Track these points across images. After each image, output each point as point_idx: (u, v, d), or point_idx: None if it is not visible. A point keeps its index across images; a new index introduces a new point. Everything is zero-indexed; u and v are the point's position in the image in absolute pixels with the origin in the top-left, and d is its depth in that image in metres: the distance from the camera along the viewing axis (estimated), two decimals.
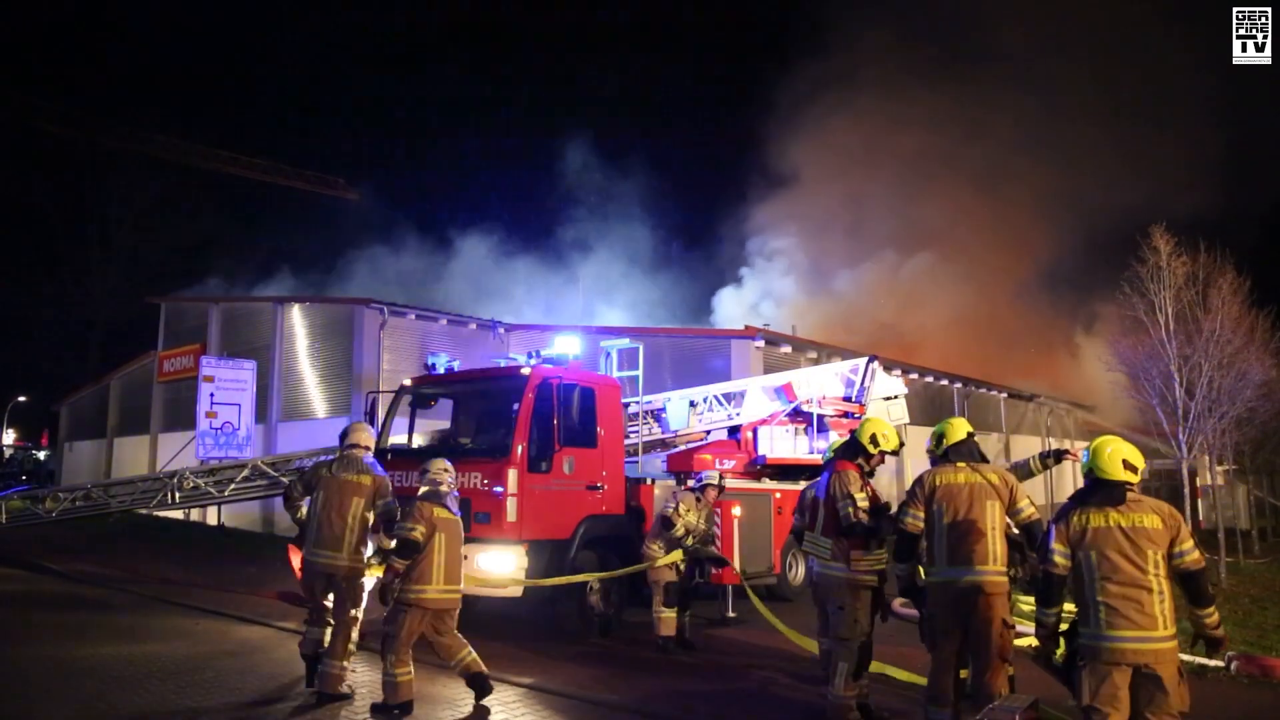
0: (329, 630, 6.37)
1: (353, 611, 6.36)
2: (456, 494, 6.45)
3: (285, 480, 14.78)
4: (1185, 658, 7.70)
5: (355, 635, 6.39)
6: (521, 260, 37.59)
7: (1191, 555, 4.19)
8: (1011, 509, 5.06)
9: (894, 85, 34.19)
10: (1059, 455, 6.38)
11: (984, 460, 5.25)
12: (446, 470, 6.38)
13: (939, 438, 5.37)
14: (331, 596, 6.40)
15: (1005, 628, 4.95)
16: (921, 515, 5.14)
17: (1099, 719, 4.05)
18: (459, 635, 6.10)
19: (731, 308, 30.72)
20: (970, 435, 5.31)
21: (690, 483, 9.22)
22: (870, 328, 28.22)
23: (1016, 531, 5.26)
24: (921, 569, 5.34)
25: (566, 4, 73.02)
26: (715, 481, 8.85)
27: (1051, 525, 4.33)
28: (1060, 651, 4.41)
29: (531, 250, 38.50)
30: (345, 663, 6.29)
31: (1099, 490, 4.27)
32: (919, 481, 5.28)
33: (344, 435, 6.84)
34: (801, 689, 6.88)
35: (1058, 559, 4.25)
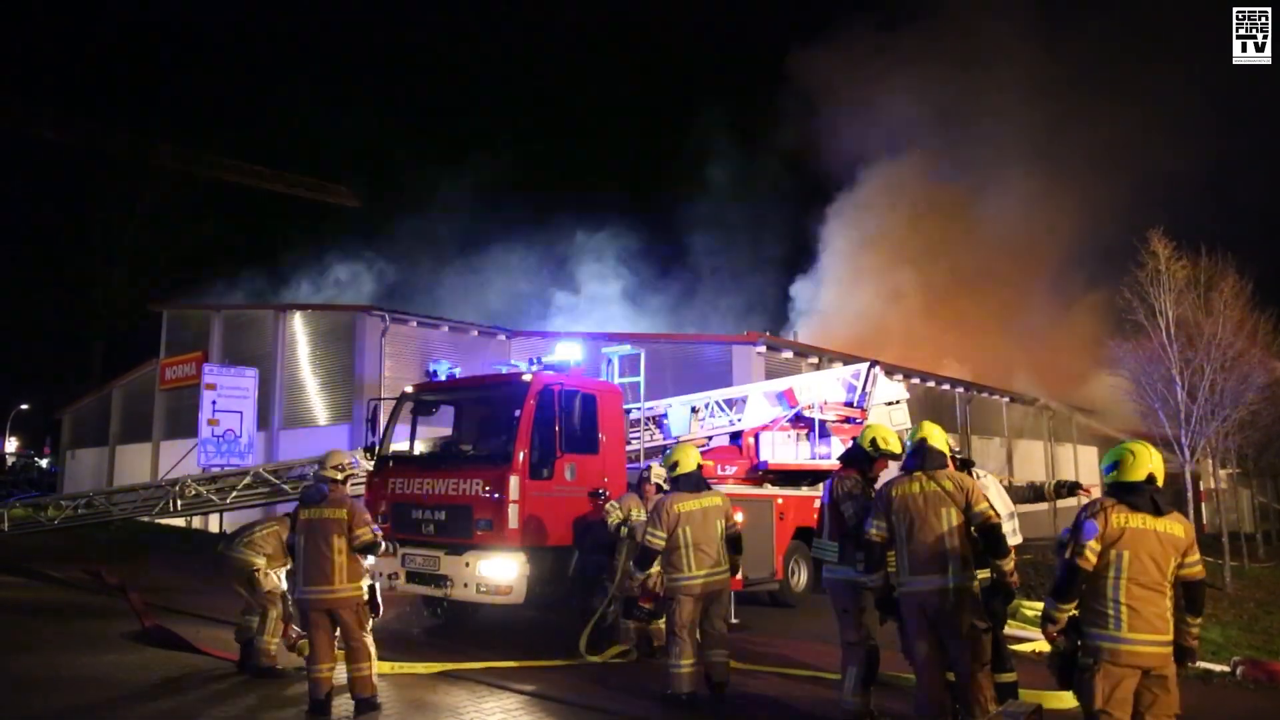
0: (256, 619, 7.36)
1: (268, 593, 7.24)
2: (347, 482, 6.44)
3: (288, 488, 14.83)
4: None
5: (276, 614, 7.23)
6: (526, 266, 37.71)
7: (1199, 565, 4.26)
8: (969, 512, 5.07)
9: (899, 93, 34.30)
10: (1074, 488, 6.32)
11: (941, 465, 5.25)
12: (337, 468, 6.39)
13: (916, 442, 5.37)
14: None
15: (977, 631, 4.96)
16: (885, 525, 5.21)
17: None
18: (358, 646, 6.05)
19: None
20: (923, 440, 5.29)
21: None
22: (882, 335, 28.29)
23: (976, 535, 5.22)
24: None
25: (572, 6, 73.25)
26: (649, 476, 8.56)
27: (1089, 521, 4.25)
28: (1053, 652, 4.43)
29: (538, 257, 38.62)
30: (273, 639, 7.18)
31: (1136, 492, 4.27)
32: (879, 494, 5.38)
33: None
34: (805, 694, 6.87)
35: (1089, 555, 4.18)
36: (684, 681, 6.31)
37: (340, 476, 6.37)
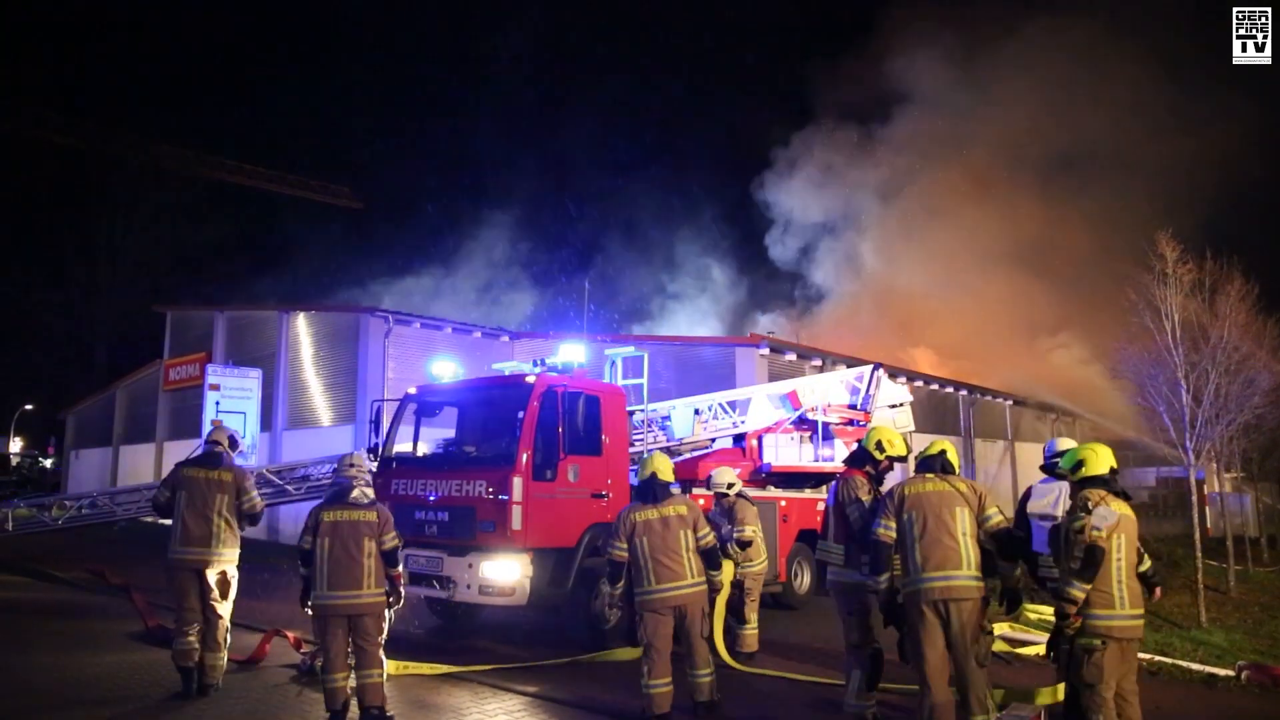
0: (195, 636, 6.62)
1: (228, 600, 6.72)
2: (368, 485, 6.13)
3: (291, 489, 14.81)
4: (1194, 666, 7.72)
5: (226, 628, 6.72)
6: (531, 269, 37.74)
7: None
8: (981, 515, 5.13)
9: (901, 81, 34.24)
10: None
11: (952, 472, 5.35)
12: (353, 465, 6.13)
13: (922, 455, 5.55)
14: (200, 593, 6.65)
15: (982, 633, 4.97)
16: (893, 525, 5.21)
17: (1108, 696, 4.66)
18: (374, 653, 5.81)
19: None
20: (942, 452, 5.43)
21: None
22: (888, 336, 28.31)
23: (985, 540, 5.26)
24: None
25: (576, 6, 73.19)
26: (718, 485, 8.75)
27: (1103, 508, 4.71)
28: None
29: (542, 259, 38.65)
30: (223, 654, 6.68)
31: (1113, 483, 4.88)
32: (889, 493, 5.39)
33: (208, 436, 7.21)
34: (808, 697, 6.86)
35: (1110, 538, 4.69)
36: (658, 703, 5.96)
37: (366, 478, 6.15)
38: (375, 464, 9.63)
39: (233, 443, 7.15)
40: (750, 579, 8.45)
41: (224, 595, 6.72)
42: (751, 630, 8.40)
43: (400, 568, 6.05)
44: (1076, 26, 33.57)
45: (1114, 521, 4.67)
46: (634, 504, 6.38)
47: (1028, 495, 6.36)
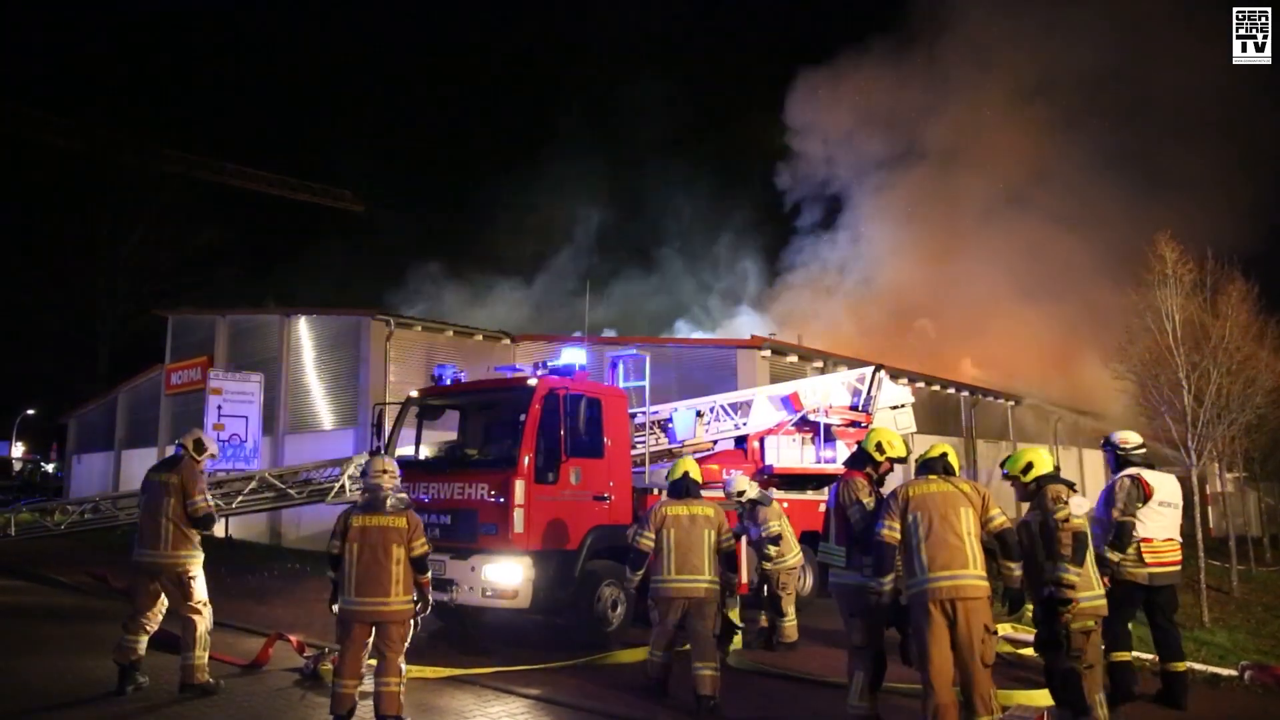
0: (144, 640, 6.74)
1: (193, 602, 6.74)
2: (399, 490, 6.09)
3: (293, 493, 14.84)
4: (1198, 666, 7.72)
5: (207, 624, 6.78)
6: (534, 270, 37.76)
7: None
8: (984, 516, 5.16)
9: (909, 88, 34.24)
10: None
11: (954, 474, 5.40)
12: (385, 471, 6.04)
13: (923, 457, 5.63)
14: (164, 595, 6.80)
15: (987, 633, 4.96)
16: (898, 527, 5.23)
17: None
18: (394, 660, 5.76)
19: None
20: (943, 455, 5.49)
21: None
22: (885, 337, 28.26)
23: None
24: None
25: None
26: (742, 491, 9.15)
27: (1069, 499, 5.41)
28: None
29: (546, 261, 38.66)
30: (203, 652, 6.71)
31: (1059, 477, 5.69)
32: (893, 494, 5.40)
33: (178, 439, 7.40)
34: (810, 699, 6.86)
35: (1081, 527, 5.39)
36: (651, 668, 6.78)
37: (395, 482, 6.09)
38: None
39: (199, 446, 7.16)
40: (784, 574, 8.95)
41: (186, 596, 6.75)
42: (790, 622, 8.95)
43: (429, 574, 5.98)
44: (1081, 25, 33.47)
45: (1086, 511, 5.41)
46: (666, 499, 6.88)
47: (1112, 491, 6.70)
